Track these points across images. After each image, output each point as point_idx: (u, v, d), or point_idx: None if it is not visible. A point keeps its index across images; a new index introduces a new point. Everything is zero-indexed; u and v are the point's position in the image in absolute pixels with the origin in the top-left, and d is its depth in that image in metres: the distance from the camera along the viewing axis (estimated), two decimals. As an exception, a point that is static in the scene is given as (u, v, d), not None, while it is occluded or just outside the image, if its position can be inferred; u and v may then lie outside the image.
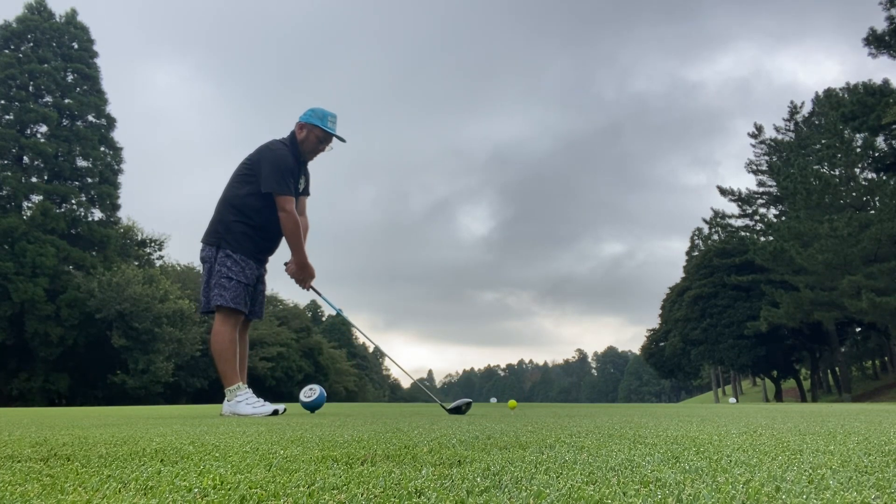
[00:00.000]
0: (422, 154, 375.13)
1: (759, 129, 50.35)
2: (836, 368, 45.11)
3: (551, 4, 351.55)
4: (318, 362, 58.20)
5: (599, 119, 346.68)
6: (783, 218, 41.27)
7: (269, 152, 4.44)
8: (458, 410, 4.42)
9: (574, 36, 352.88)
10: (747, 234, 48.10)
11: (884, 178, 32.22)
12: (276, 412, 4.18)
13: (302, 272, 4.62)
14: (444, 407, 4.61)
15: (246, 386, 4.53)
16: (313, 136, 4.53)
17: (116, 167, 39.01)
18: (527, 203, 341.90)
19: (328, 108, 4.59)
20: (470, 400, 4.58)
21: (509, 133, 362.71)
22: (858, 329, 44.24)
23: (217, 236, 4.42)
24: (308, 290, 4.73)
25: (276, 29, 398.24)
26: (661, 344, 52.61)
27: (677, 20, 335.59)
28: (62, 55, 37.77)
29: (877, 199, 32.39)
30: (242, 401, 4.24)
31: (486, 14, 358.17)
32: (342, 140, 4.61)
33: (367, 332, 5.06)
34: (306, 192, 4.80)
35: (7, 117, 35.39)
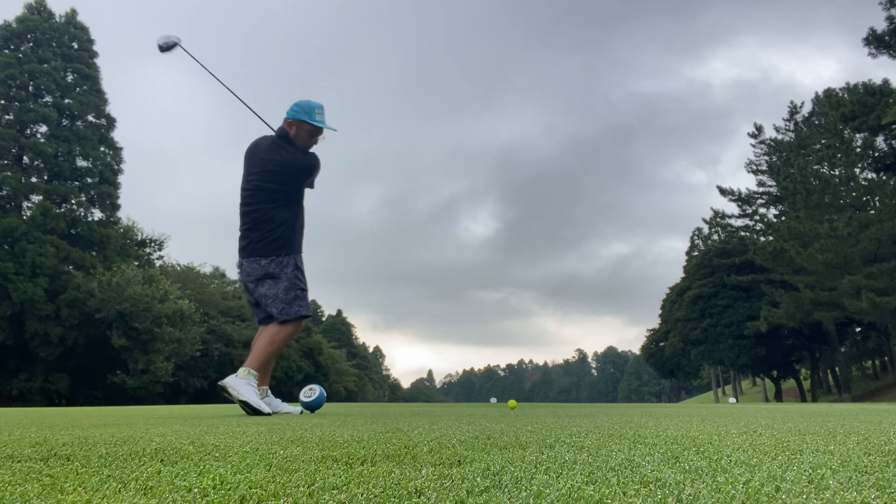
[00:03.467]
0: (428, 155, 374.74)
1: (759, 129, 50.38)
2: (836, 368, 45.11)
3: (557, 6, 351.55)
4: (318, 362, 58.22)
5: (604, 120, 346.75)
6: (783, 218, 41.24)
7: (294, 156, 4.53)
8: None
9: (580, 38, 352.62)
10: (747, 234, 48.10)
11: (884, 178, 32.23)
12: (268, 415, 4.16)
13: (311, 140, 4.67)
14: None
15: (268, 390, 4.63)
16: (303, 131, 4.55)
17: (116, 167, 39.04)
18: (531, 204, 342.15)
19: (314, 100, 4.61)
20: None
21: (515, 134, 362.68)
22: (858, 329, 44.25)
23: (276, 248, 4.43)
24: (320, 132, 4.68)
25: (280, 28, 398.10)
26: (661, 344, 52.65)
27: (678, 19, 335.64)
28: (62, 55, 37.76)
29: (877, 199, 32.41)
30: (252, 386, 4.19)
31: (495, 16, 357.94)
32: (333, 129, 4.63)
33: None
34: (310, 185, 4.84)
35: (7, 117, 35.40)
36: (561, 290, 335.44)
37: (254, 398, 4.11)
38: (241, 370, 4.23)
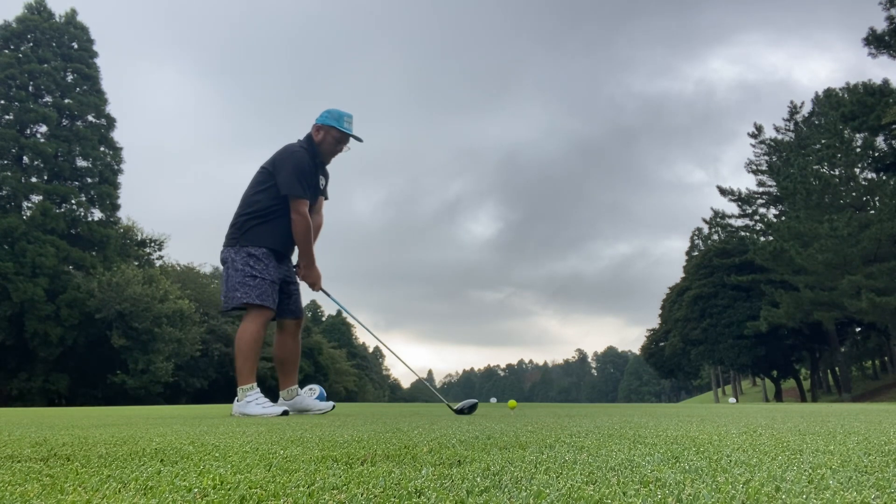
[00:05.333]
0: (431, 155, 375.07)
1: (759, 128, 50.36)
2: (836, 368, 45.10)
3: (561, 7, 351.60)
4: (318, 362, 58.19)
5: (606, 121, 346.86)
6: (783, 218, 41.22)
7: (287, 154, 4.47)
8: (462, 412, 4.42)
9: (584, 39, 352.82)
10: (747, 234, 48.07)
11: (884, 178, 32.21)
12: (285, 412, 4.16)
13: (310, 275, 4.63)
14: (450, 407, 4.64)
15: (297, 389, 4.61)
16: (330, 136, 4.55)
17: (116, 167, 39.01)
18: (533, 205, 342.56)
19: (343, 109, 4.63)
20: (476, 401, 4.55)
21: (519, 135, 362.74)
22: (858, 329, 44.24)
23: (235, 238, 4.45)
24: (318, 291, 4.74)
25: (282, 28, 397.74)
26: (661, 344, 52.62)
27: (680, 18, 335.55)
28: (62, 55, 37.75)
29: (877, 199, 32.38)
30: (252, 401, 4.21)
31: (498, 17, 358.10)
32: (359, 140, 4.63)
33: (371, 331, 4.94)
34: (324, 195, 4.80)
35: (7, 117, 35.38)
36: (562, 291, 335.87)
37: (257, 410, 4.14)
38: (238, 391, 4.28)
